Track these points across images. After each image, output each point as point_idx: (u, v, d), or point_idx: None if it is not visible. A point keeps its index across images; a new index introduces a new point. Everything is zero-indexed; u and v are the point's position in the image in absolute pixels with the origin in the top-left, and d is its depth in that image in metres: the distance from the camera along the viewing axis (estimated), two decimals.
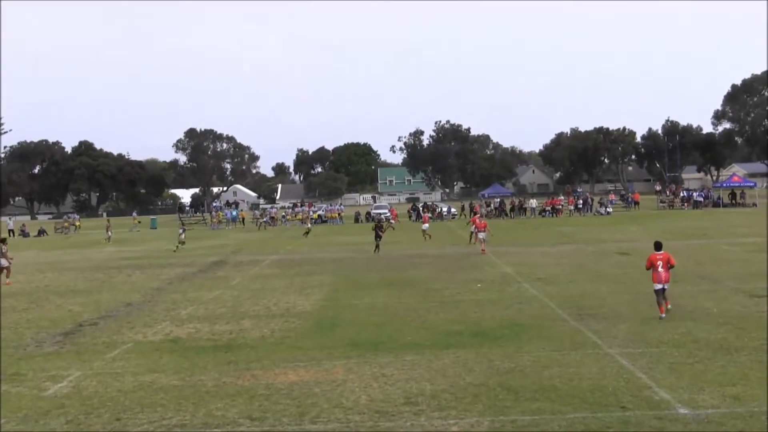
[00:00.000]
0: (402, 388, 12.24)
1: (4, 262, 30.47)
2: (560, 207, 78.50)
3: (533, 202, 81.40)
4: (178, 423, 10.97)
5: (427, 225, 48.16)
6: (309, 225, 62.84)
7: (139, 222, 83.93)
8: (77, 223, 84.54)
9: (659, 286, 17.86)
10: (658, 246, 18.43)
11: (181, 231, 53.45)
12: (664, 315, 17.67)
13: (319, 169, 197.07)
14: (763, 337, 14.97)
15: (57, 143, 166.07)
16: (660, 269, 17.84)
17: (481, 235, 37.43)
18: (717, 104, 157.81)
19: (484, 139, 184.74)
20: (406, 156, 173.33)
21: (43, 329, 19.44)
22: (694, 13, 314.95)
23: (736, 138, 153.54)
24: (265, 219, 78.89)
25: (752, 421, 10.02)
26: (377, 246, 38.46)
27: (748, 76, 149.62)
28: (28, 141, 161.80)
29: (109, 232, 60.53)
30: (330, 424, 10.65)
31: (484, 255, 34.86)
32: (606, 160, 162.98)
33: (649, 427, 9.94)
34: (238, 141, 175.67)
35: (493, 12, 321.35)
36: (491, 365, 13.53)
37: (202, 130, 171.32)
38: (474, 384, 12.32)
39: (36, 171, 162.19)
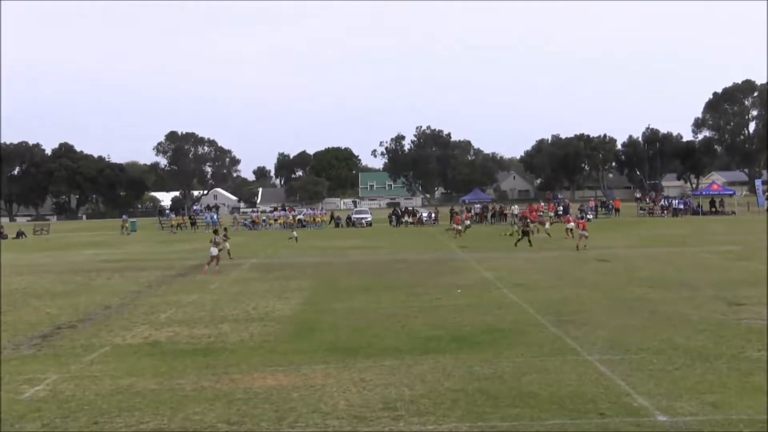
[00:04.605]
0: (381, 394, 12.18)
1: (215, 251, 32.17)
2: (541, 214, 78.75)
3: (514, 209, 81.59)
4: (155, 427, 10.88)
5: (571, 224, 48.67)
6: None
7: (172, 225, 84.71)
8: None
9: None
10: None
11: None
12: None
13: (300, 173, 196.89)
14: (741, 345, 15.04)
15: (37, 145, 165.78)
16: None
17: (581, 233, 38.81)
18: (697, 112, 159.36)
19: (465, 145, 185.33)
20: (387, 161, 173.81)
21: (20, 332, 19.23)
22: (676, 21, 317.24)
23: (715, 146, 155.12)
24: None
25: (729, 428, 10.05)
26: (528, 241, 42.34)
27: (729, 84, 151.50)
28: (8, 143, 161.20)
29: (294, 232, 58.98)
30: (308, 429, 10.59)
31: (465, 261, 34.99)
32: (586, 167, 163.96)
33: None
34: (219, 144, 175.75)
35: (476, 17, 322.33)
36: (470, 371, 13.50)
37: (183, 133, 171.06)
38: (453, 389, 12.28)
39: (15, 173, 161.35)
